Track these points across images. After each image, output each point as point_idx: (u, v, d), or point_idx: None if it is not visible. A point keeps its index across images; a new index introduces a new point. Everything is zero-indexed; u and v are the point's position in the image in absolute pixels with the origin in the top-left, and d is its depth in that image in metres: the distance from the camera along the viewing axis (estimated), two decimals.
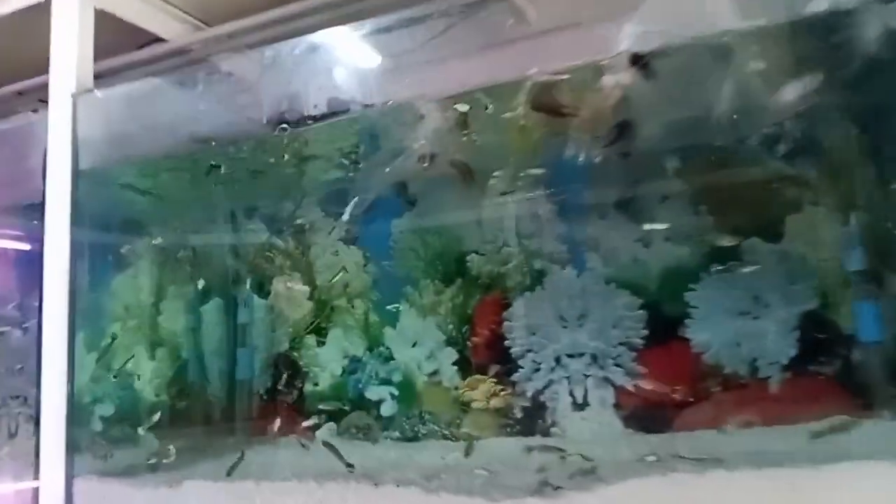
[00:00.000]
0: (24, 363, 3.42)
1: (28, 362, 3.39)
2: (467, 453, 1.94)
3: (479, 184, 2.24)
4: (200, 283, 2.89)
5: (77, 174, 2.27)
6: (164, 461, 2.31)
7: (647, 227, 2.29)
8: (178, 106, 2.27)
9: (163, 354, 2.96)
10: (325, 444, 2.09)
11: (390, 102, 2.00)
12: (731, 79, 1.65)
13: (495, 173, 2.17)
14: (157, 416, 2.73)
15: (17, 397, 3.44)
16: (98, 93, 2.30)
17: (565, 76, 1.66)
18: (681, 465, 1.64)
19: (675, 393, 2.04)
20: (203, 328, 2.84)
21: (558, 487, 1.56)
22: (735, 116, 1.70)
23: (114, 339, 2.90)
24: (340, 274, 2.70)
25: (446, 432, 2.51)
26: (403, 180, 2.30)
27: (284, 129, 2.13)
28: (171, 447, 2.38)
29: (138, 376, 2.99)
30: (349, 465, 1.87)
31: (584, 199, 2.43)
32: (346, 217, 2.39)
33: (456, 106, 1.85)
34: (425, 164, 1.98)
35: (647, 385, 2.11)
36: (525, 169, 2.21)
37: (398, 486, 1.62)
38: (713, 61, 1.74)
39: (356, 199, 2.17)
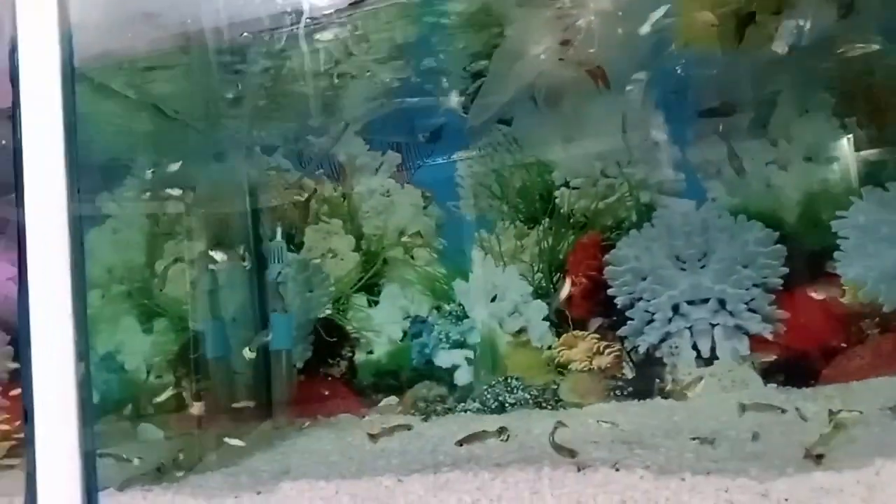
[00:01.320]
0: None
1: None
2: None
3: (610, 93, 1.79)
4: (210, 236, 2.30)
5: (72, 76, 1.65)
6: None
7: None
8: None
9: (163, 326, 2.36)
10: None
11: None
12: None
13: (637, 75, 1.74)
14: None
15: None
16: None
17: None
18: None
19: None
20: (219, 291, 2.26)
21: (820, 455, 1.18)
22: None
23: None
24: None
25: (540, 400, 2.09)
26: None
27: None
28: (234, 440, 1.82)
29: (127, 355, 2.38)
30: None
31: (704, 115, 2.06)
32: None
33: None
34: (561, 58, 1.52)
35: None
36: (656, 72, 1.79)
37: (617, 468, 1.19)
38: None
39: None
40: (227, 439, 1.83)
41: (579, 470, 1.22)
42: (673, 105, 2.08)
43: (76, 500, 1.56)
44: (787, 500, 1.11)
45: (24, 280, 1.67)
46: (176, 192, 2.27)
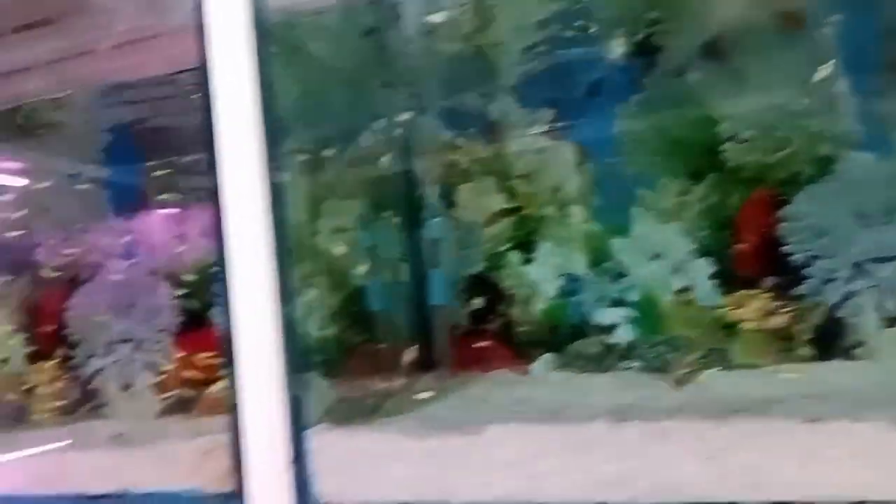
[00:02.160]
0: (132, 299, 2.91)
1: (140, 298, 2.89)
2: None
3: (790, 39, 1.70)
4: (367, 195, 2.37)
5: (265, 31, 1.68)
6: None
7: None
8: None
9: (325, 282, 2.46)
10: None
11: None
12: None
13: (828, 19, 1.63)
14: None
15: (128, 341, 2.95)
16: None
17: None
18: None
19: None
20: (378, 248, 2.33)
21: None
22: None
23: None
24: None
25: (708, 360, 2.05)
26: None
27: None
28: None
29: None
30: None
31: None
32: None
33: None
34: None
35: None
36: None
37: (853, 421, 1.16)
38: None
39: None
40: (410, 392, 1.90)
41: (809, 422, 1.19)
42: (858, 52, 1.95)
43: (283, 437, 1.66)
44: None
45: (224, 227, 1.75)
46: (333, 152, 2.35)
